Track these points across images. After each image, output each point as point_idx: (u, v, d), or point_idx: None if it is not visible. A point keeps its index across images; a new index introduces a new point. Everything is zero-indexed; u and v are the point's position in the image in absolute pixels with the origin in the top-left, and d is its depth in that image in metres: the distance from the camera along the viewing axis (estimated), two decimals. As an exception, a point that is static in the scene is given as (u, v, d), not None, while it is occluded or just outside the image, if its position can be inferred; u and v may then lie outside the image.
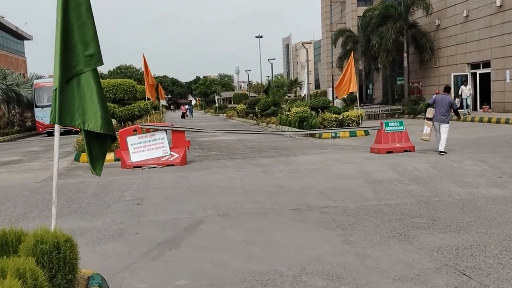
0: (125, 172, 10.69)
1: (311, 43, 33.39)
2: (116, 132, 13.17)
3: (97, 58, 3.62)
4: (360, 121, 18.02)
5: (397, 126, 11.79)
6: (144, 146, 11.43)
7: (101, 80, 15.40)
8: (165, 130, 11.65)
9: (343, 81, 16.85)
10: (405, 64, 29.43)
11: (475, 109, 25.08)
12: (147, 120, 20.22)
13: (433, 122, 11.06)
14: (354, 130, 16.31)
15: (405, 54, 29.18)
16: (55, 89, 3.44)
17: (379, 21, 29.40)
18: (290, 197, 7.00)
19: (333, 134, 16.68)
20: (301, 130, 17.70)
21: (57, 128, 3.53)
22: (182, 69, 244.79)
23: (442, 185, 7.41)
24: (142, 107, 15.80)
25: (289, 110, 24.06)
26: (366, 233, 5.01)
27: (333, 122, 17.74)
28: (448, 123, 10.93)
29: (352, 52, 20.31)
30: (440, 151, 10.78)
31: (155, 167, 11.12)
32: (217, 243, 4.88)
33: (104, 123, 3.62)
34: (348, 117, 17.83)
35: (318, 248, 4.54)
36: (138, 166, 11.21)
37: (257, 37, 64.00)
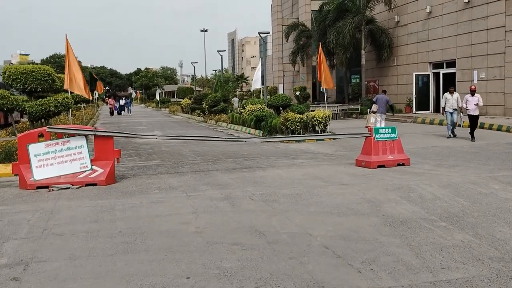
0: (22, 196, 7.36)
1: (268, 33, 30.76)
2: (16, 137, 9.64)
3: None
4: (328, 123, 15.65)
5: (389, 133, 9.42)
6: (54, 158, 8.14)
7: (7, 66, 11.27)
8: (85, 135, 8.41)
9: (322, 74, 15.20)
10: (363, 61, 27.70)
11: (438, 110, 23.73)
12: (64, 120, 16.51)
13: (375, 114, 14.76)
14: (335, 137, 13.46)
15: (362, 51, 27.43)
16: None
17: (336, 15, 27.44)
18: (282, 261, 4.22)
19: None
20: (278, 136, 14.73)
21: None
22: (123, 60, 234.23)
23: (499, 231, 4.99)
24: (60, 101, 12.24)
25: (243, 108, 21.31)
26: None
27: (297, 124, 15.22)
28: (385, 114, 15.97)
29: (320, 44, 17.91)
30: None
31: (68, 188, 7.88)
32: None
33: None
34: (314, 118, 15.36)
35: None
36: (44, 186, 7.91)
37: (202, 30, 60.48)
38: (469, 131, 13.58)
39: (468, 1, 20.74)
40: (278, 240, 4.83)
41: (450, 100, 14.21)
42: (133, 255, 4.53)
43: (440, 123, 19.21)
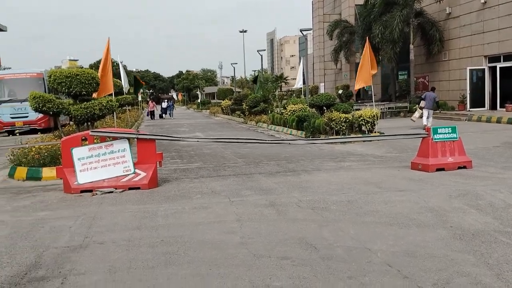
0: (65, 201, 7.27)
1: (310, 30, 30.09)
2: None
3: None
4: (376, 122, 14.86)
5: (448, 133, 8.63)
6: (98, 162, 8.02)
7: (53, 70, 11.47)
8: (127, 138, 8.25)
9: (361, 72, 14.12)
10: (411, 57, 26.44)
11: (494, 107, 22.20)
12: (110, 123, 16.67)
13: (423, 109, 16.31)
14: (387, 138, 11.59)
15: (411, 46, 26.18)
16: None
17: (382, 9, 26.33)
18: (340, 282, 3.73)
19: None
20: (330, 137, 13.27)
21: None
22: (165, 64, 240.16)
23: None
24: (104, 104, 12.26)
25: (284, 108, 20.83)
26: None
27: (342, 124, 14.53)
28: (433, 109, 16.75)
29: (367, 38, 17.11)
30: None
31: (111, 192, 7.73)
32: None
33: None
34: (361, 118, 14.62)
35: None
36: (87, 189, 7.81)
37: (241, 31, 60.48)
38: None
39: (529, -11, 19.20)
40: (332, 256, 4.33)
41: None
42: (176, 268, 4.19)
43: (498, 121, 17.87)
